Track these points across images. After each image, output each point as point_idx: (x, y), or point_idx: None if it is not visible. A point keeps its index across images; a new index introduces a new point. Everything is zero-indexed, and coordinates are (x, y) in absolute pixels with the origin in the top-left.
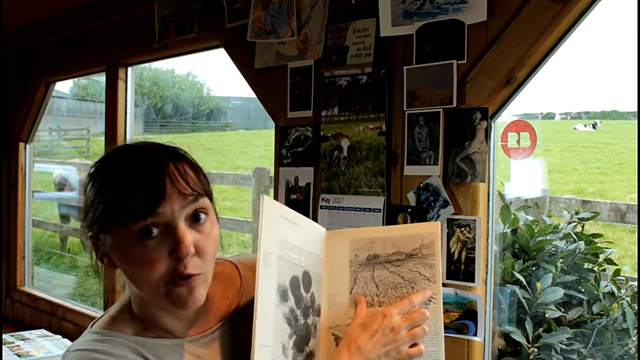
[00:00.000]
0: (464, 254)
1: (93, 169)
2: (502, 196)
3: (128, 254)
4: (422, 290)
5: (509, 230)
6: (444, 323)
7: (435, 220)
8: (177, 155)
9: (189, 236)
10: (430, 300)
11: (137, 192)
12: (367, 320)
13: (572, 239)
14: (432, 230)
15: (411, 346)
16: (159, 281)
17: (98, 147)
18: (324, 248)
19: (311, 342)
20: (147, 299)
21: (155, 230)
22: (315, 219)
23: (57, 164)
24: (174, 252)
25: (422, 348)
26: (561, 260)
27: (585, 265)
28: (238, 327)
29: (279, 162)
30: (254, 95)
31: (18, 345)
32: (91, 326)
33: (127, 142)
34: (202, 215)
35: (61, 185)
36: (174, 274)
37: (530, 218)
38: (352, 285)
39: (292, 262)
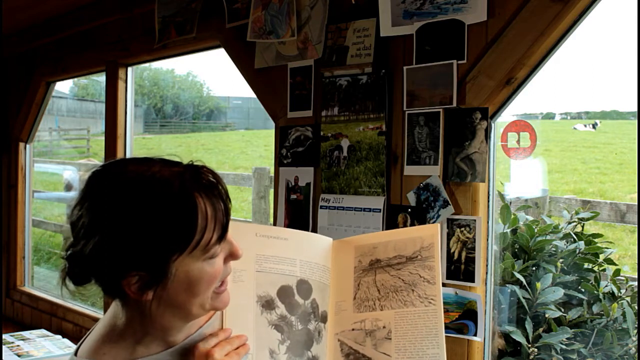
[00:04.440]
0: (464, 254)
1: (122, 202)
2: (502, 196)
3: (198, 277)
4: (239, 336)
5: (509, 230)
6: (444, 323)
7: (435, 220)
8: (204, 165)
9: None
10: (430, 302)
11: (214, 215)
12: None
13: (572, 239)
14: (431, 232)
15: None
16: (212, 290)
17: (98, 147)
18: (331, 257)
19: (314, 347)
20: (166, 318)
21: (220, 246)
22: (315, 219)
23: (58, 164)
24: (228, 259)
25: None
26: (561, 260)
27: (585, 265)
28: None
29: (279, 162)
30: (254, 95)
31: (18, 345)
32: (75, 353)
33: (126, 158)
34: None
35: (69, 187)
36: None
37: (530, 218)
38: (356, 290)
39: (280, 273)
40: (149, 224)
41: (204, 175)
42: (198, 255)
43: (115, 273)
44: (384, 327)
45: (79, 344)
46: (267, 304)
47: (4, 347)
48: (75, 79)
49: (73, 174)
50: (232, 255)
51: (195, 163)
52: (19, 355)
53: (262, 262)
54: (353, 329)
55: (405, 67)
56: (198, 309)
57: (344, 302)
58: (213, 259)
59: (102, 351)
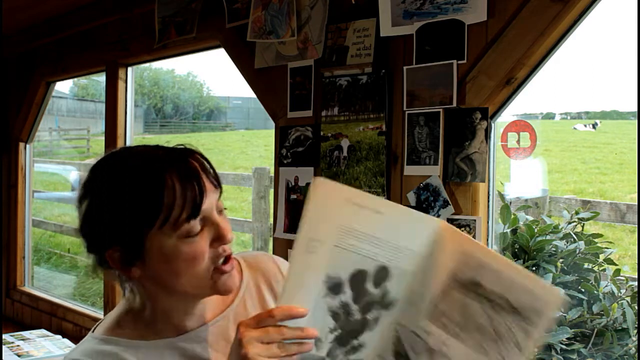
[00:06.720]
0: None
1: (104, 178)
2: (502, 196)
3: (173, 255)
4: (290, 308)
5: (509, 230)
6: None
7: None
8: (194, 151)
9: (227, 225)
10: None
11: (184, 193)
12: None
13: (572, 239)
14: (554, 300)
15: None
16: (205, 272)
17: (98, 147)
18: (433, 246)
19: (364, 334)
20: (163, 299)
21: (199, 227)
22: None
23: (58, 164)
24: (216, 242)
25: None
26: (561, 260)
27: (585, 265)
28: (236, 322)
29: (279, 162)
30: (254, 95)
31: (18, 345)
32: (93, 330)
33: (127, 145)
34: (222, 206)
35: (75, 187)
36: (217, 262)
37: (530, 218)
38: (438, 297)
39: (360, 254)
40: (118, 197)
41: (184, 156)
42: (169, 232)
43: (98, 245)
44: (445, 355)
45: (94, 326)
46: (334, 288)
47: (4, 347)
48: (75, 79)
49: (79, 175)
50: (219, 239)
51: (187, 147)
52: (19, 355)
53: (343, 236)
54: (416, 334)
55: (405, 67)
56: (193, 289)
57: (419, 298)
58: (191, 238)
59: (119, 329)
